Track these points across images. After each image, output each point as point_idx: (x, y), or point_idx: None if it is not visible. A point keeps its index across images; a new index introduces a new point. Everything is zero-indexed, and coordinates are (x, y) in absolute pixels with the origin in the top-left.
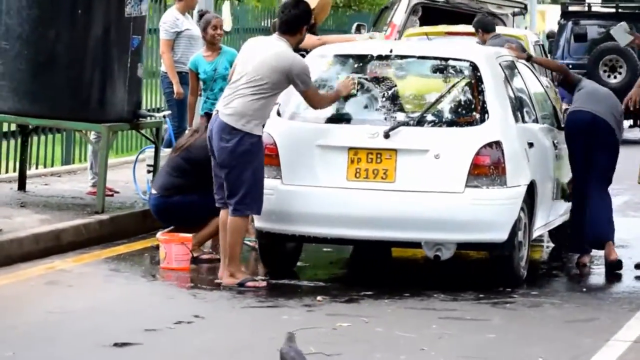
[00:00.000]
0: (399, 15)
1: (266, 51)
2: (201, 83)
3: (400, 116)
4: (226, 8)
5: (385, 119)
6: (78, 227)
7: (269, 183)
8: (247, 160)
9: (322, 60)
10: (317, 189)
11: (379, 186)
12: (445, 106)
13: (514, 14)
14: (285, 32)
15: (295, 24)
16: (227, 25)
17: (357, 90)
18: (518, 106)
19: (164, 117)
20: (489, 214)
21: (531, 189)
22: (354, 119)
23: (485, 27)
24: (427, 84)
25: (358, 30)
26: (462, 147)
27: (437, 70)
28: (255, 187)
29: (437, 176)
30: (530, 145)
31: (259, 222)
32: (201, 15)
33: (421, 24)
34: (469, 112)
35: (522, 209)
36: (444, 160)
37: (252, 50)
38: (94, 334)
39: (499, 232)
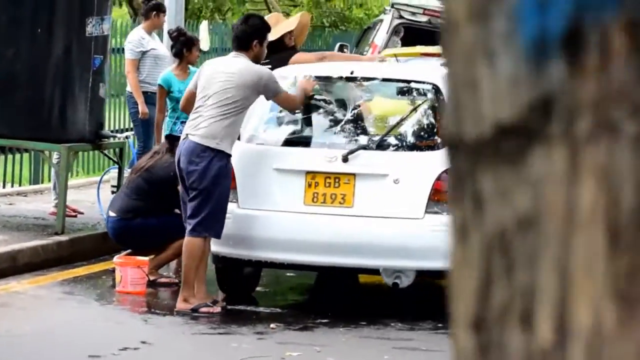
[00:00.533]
0: (380, 35)
1: (228, 69)
2: (168, 103)
3: (360, 139)
4: (204, 28)
5: (345, 142)
6: (35, 248)
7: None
8: (217, 182)
9: (284, 81)
10: (274, 213)
11: (337, 211)
12: (406, 129)
13: None
14: (238, 48)
15: (246, 40)
16: (205, 44)
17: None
18: None
19: (127, 137)
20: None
21: None
22: (313, 142)
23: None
24: (388, 106)
25: (341, 50)
26: (422, 172)
27: (399, 92)
28: (220, 209)
29: (397, 201)
30: None
31: (215, 246)
32: (175, 33)
33: (404, 45)
34: (431, 135)
35: None
36: (404, 185)
37: (213, 71)
38: (36, 359)
39: None
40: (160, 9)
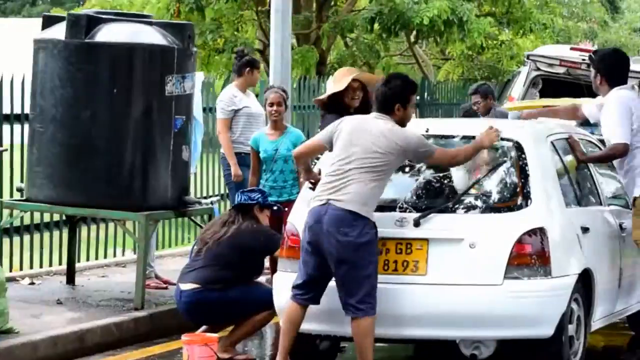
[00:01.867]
0: (517, 88)
1: (373, 129)
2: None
3: (433, 202)
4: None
5: (417, 205)
6: (108, 326)
7: (292, 277)
8: (370, 252)
9: None
10: None
11: (410, 279)
12: (483, 190)
13: None
14: (381, 110)
15: (386, 103)
16: None
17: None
18: (571, 188)
19: (212, 203)
20: (532, 308)
21: (587, 278)
22: (383, 205)
23: (485, 93)
24: (464, 166)
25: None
26: (500, 235)
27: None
28: (376, 282)
29: (473, 267)
30: (585, 230)
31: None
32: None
33: (542, 97)
34: (510, 196)
35: (575, 300)
36: (480, 249)
37: (356, 130)
38: None
39: (543, 327)
40: (253, 64)
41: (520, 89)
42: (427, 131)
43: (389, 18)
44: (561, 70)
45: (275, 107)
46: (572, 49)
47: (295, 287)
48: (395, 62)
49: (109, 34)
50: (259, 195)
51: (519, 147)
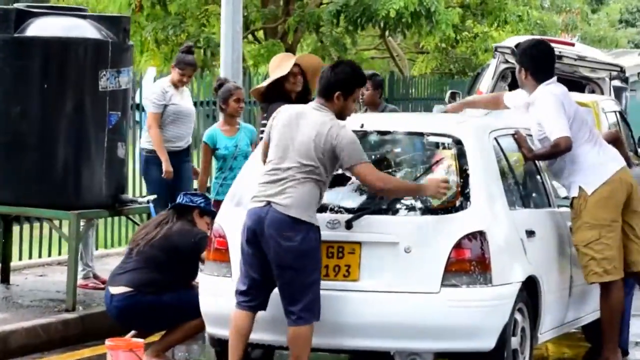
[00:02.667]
0: (485, 81)
1: (309, 124)
2: (214, 162)
3: (366, 202)
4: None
5: (349, 205)
6: (34, 328)
7: (218, 283)
8: (315, 259)
9: None
10: None
11: (341, 286)
12: None
13: (611, 78)
14: (320, 95)
15: (328, 89)
16: None
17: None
18: (516, 188)
19: (148, 202)
20: (471, 318)
21: (533, 285)
22: None
23: (377, 85)
24: (400, 164)
25: (453, 97)
26: (437, 239)
27: (413, 148)
28: (319, 289)
29: (408, 273)
30: (530, 234)
31: (212, 328)
32: (220, 84)
33: (511, 90)
34: (448, 197)
35: (519, 310)
36: (416, 254)
37: (291, 123)
38: None
39: (483, 339)
40: (192, 65)
41: (489, 82)
42: (361, 127)
43: (355, 11)
44: None
45: (241, 104)
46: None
47: (239, 293)
48: (368, 56)
49: (40, 28)
50: (202, 200)
51: (459, 144)
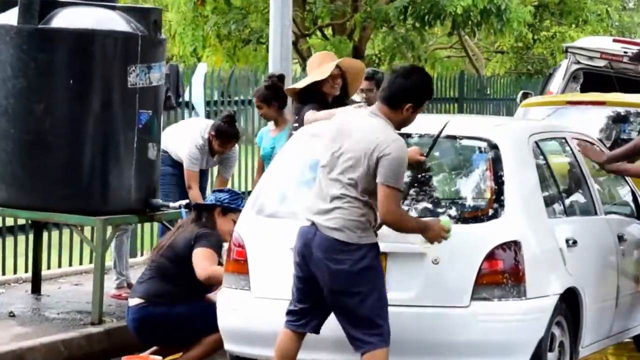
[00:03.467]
0: (556, 82)
1: (365, 130)
2: None
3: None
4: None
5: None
6: (54, 343)
7: (237, 295)
8: (370, 279)
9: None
10: None
11: None
12: (450, 197)
13: None
14: (385, 103)
15: (399, 97)
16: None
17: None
18: (558, 195)
19: (180, 206)
20: (503, 334)
21: (573, 298)
22: None
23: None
24: (433, 169)
25: (525, 97)
26: (468, 250)
27: (445, 152)
28: (385, 308)
29: (436, 286)
30: (572, 243)
31: (229, 345)
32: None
33: (583, 92)
34: (481, 205)
35: (557, 323)
36: (445, 266)
37: (343, 130)
38: None
39: (516, 355)
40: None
41: (560, 83)
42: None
43: (422, 7)
44: (602, 63)
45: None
46: (614, 40)
47: (288, 312)
48: (443, 55)
49: (66, 19)
50: (226, 197)
51: (495, 149)
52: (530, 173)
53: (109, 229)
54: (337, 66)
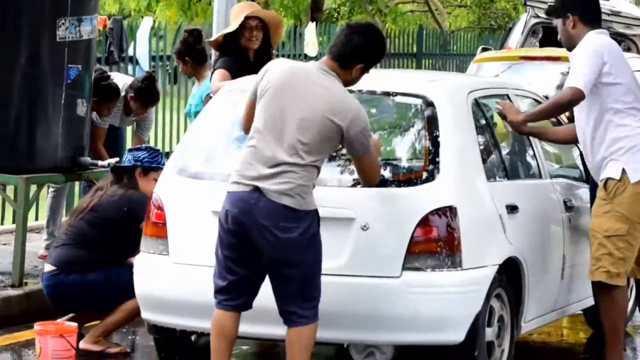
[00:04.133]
0: (515, 36)
1: (318, 88)
2: None
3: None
4: (310, 30)
5: None
6: None
7: (154, 260)
8: (316, 250)
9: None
10: (211, 269)
11: None
12: (381, 158)
13: None
14: (335, 60)
15: (351, 55)
16: (313, 50)
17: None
18: (499, 157)
19: (109, 165)
20: (436, 307)
21: (515, 268)
22: None
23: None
24: None
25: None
26: (399, 215)
27: (377, 110)
28: (320, 280)
29: (365, 255)
30: (512, 209)
31: (147, 313)
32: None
33: (542, 46)
34: (414, 166)
35: (497, 296)
36: (375, 232)
37: (290, 85)
38: None
39: (451, 331)
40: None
41: (518, 38)
42: None
43: None
44: None
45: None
46: None
47: (218, 291)
48: (406, 9)
49: None
50: (145, 155)
51: (430, 106)
52: (469, 133)
53: (33, 188)
54: (258, 18)
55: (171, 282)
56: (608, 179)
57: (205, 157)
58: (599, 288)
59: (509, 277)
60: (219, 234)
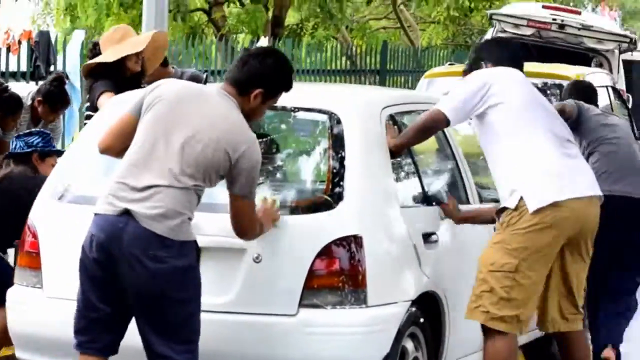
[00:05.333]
0: None
1: (213, 111)
2: None
3: (209, 196)
4: (263, 45)
5: None
6: None
7: (27, 294)
8: (193, 282)
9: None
10: None
11: None
12: (280, 181)
13: (620, 50)
14: (234, 84)
15: (248, 80)
16: None
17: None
18: (418, 181)
19: None
20: (337, 349)
21: (434, 304)
22: None
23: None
24: (270, 146)
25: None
26: (296, 246)
27: (280, 127)
28: (199, 321)
29: (258, 290)
30: (429, 237)
31: (20, 352)
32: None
33: None
34: (316, 191)
35: (410, 336)
36: (269, 265)
37: (184, 102)
38: None
39: None
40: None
41: None
42: None
43: None
44: (529, 31)
45: None
46: (544, 7)
47: (78, 332)
48: (379, 26)
49: None
50: (38, 140)
51: (338, 123)
52: (381, 153)
53: None
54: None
55: (45, 319)
56: (504, 207)
57: (88, 180)
58: (484, 331)
59: (427, 314)
60: (81, 263)
